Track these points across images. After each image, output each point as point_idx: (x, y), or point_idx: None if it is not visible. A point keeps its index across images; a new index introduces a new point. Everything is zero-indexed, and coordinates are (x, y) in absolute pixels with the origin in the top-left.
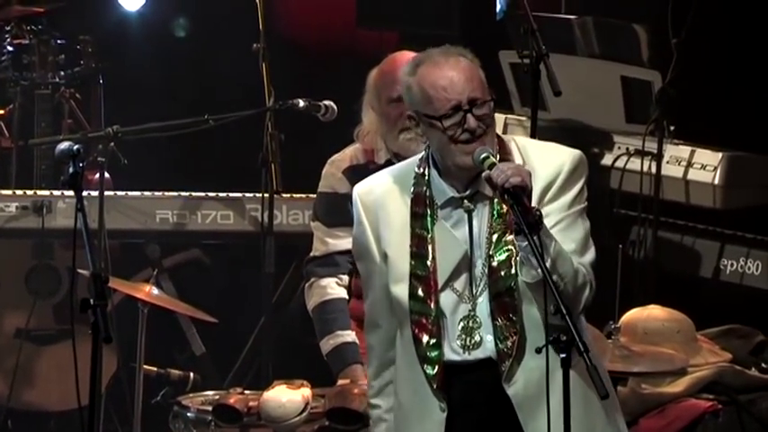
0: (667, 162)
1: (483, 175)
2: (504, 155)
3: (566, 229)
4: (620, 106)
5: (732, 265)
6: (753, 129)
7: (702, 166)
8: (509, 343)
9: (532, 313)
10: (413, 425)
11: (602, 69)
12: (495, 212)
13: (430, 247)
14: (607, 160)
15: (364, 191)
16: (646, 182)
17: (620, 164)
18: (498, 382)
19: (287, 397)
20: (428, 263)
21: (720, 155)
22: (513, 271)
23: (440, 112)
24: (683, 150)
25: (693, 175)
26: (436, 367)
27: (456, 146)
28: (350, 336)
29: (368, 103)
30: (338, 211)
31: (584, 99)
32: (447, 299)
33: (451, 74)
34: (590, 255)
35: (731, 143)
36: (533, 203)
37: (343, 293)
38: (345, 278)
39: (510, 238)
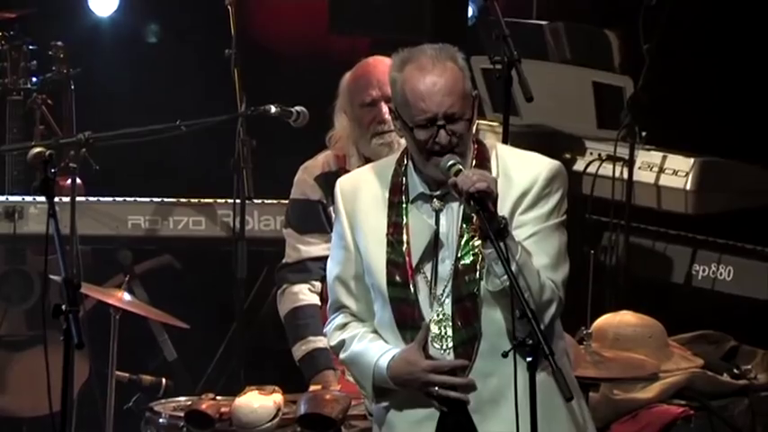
0: (639, 168)
1: (449, 181)
2: (482, 161)
3: (540, 242)
4: (591, 112)
5: (704, 270)
6: (724, 134)
7: (674, 172)
8: (467, 348)
9: (495, 319)
10: (406, 417)
11: (574, 75)
12: (464, 214)
13: (404, 233)
14: (579, 166)
15: (345, 181)
16: (618, 187)
17: (591, 169)
18: (455, 387)
19: (259, 403)
20: (403, 248)
21: (692, 160)
22: (476, 276)
23: (414, 121)
24: (655, 156)
25: (665, 180)
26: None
27: (427, 156)
28: (322, 342)
29: (340, 107)
30: (310, 218)
31: (556, 105)
32: (420, 286)
33: (434, 81)
34: (562, 271)
35: (703, 149)
36: (507, 211)
37: (315, 300)
38: (318, 284)
39: (477, 243)
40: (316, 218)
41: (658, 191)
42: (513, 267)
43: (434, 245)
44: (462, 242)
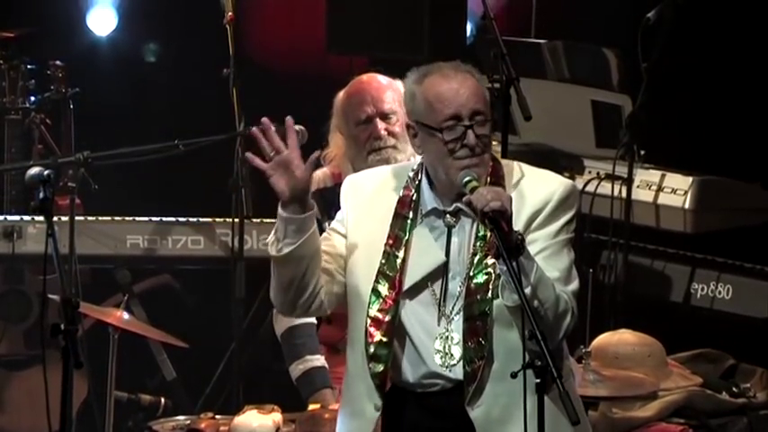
0: (638, 186)
1: (464, 199)
2: (496, 178)
3: (550, 257)
4: (590, 130)
5: (703, 289)
6: (723, 153)
7: (673, 191)
8: (475, 366)
9: (507, 339)
10: (347, 417)
11: (573, 94)
12: (478, 233)
13: (403, 249)
14: (577, 184)
15: (353, 179)
16: (616, 206)
17: (590, 188)
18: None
19: (258, 422)
20: (398, 263)
21: (691, 179)
22: (489, 296)
23: (440, 121)
24: (654, 175)
25: (664, 199)
26: (382, 366)
27: (453, 160)
28: (319, 360)
29: (335, 126)
30: None
31: (555, 123)
32: (416, 307)
33: (457, 86)
34: (573, 284)
35: (701, 167)
36: (520, 229)
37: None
38: None
39: (491, 261)
40: None
41: (657, 209)
42: (531, 281)
43: (446, 268)
44: (475, 260)
